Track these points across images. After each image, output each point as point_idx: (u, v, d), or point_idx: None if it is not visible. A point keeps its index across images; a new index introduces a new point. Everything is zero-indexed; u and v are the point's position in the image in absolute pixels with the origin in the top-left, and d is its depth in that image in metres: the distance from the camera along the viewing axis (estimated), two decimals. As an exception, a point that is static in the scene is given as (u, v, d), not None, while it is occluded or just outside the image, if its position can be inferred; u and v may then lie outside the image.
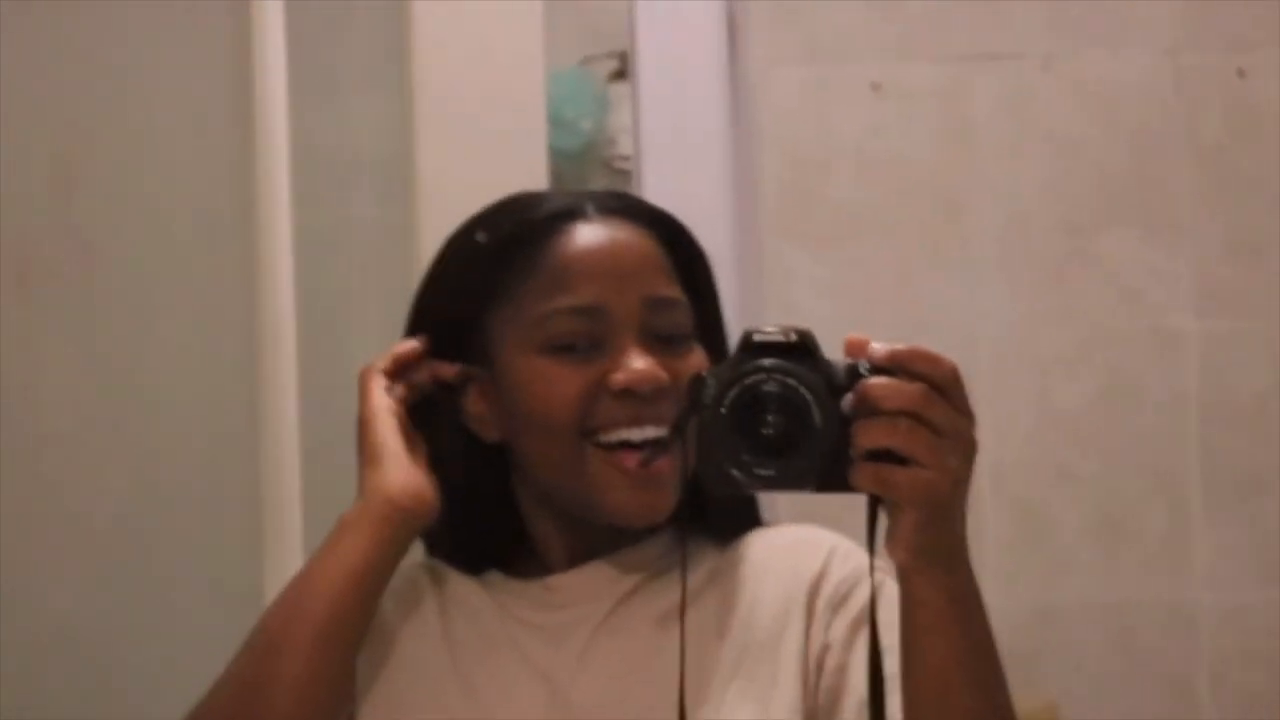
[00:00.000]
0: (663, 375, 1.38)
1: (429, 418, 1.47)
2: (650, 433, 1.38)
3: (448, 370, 1.44)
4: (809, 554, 1.42)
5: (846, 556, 1.41)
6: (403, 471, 1.41)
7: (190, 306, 2.10)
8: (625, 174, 2.51)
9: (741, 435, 1.20)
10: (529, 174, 2.03)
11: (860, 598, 1.37)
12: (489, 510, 1.47)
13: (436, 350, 1.46)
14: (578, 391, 1.39)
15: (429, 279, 1.49)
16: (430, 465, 1.46)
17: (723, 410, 1.20)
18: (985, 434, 2.56)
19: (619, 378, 1.38)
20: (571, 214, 1.43)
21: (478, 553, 1.48)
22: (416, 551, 1.49)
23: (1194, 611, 2.54)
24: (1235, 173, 2.55)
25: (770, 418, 1.19)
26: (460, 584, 1.47)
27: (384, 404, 1.43)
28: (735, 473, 1.20)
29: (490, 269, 1.42)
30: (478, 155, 2.03)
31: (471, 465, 1.46)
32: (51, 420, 2.07)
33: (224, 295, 2.07)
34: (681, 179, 2.47)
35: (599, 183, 2.53)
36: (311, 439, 2.04)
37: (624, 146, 2.50)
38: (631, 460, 1.38)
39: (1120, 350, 2.55)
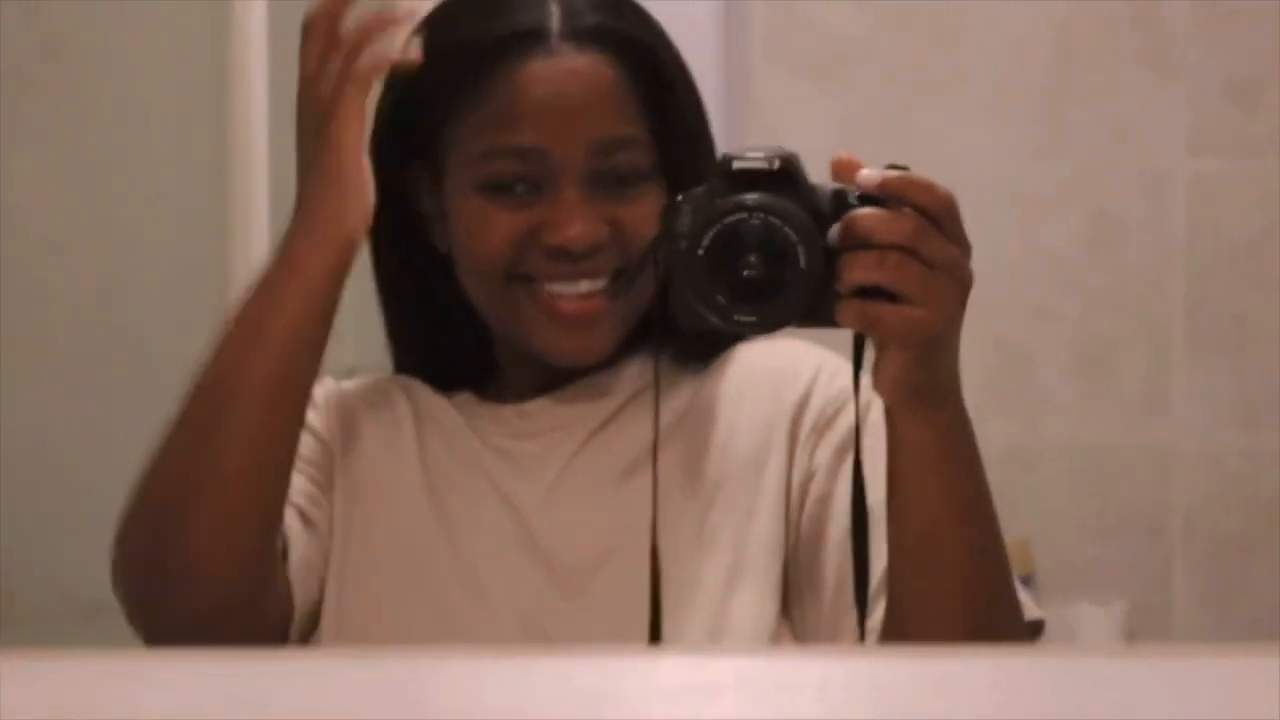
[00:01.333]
0: (600, 233, 1.32)
1: (384, 216, 1.36)
2: (584, 287, 1.33)
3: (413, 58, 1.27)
4: (791, 374, 1.38)
5: (833, 376, 1.36)
6: (361, 202, 1.26)
7: (161, 112, 2.06)
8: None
9: (720, 277, 1.13)
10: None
11: (846, 422, 1.32)
12: (453, 325, 1.42)
13: (396, 139, 1.38)
14: (507, 238, 1.33)
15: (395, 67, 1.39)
16: (388, 270, 1.42)
17: (700, 251, 1.13)
18: (968, 270, 2.55)
19: (553, 238, 1.32)
20: (531, 38, 1.34)
21: (447, 370, 1.44)
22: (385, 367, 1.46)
23: (1170, 455, 2.53)
24: (1234, 10, 2.50)
25: (752, 258, 1.13)
26: (432, 401, 1.42)
27: (359, 117, 1.26)
28: (713, 317, 1.14)
29: (442, 80, 1.35)
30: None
31: (426, 273, 1.41)
32: (22, 228, 2.05)
33: (195, 103, 2.03)
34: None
35: None
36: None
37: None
38: (563, 306, 1.33)
39: (1108, 188, 2.52)
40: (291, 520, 1.34)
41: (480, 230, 1.34)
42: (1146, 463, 2.53)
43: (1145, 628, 2.52)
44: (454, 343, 1.43)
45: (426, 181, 1.39)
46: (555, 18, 1.35)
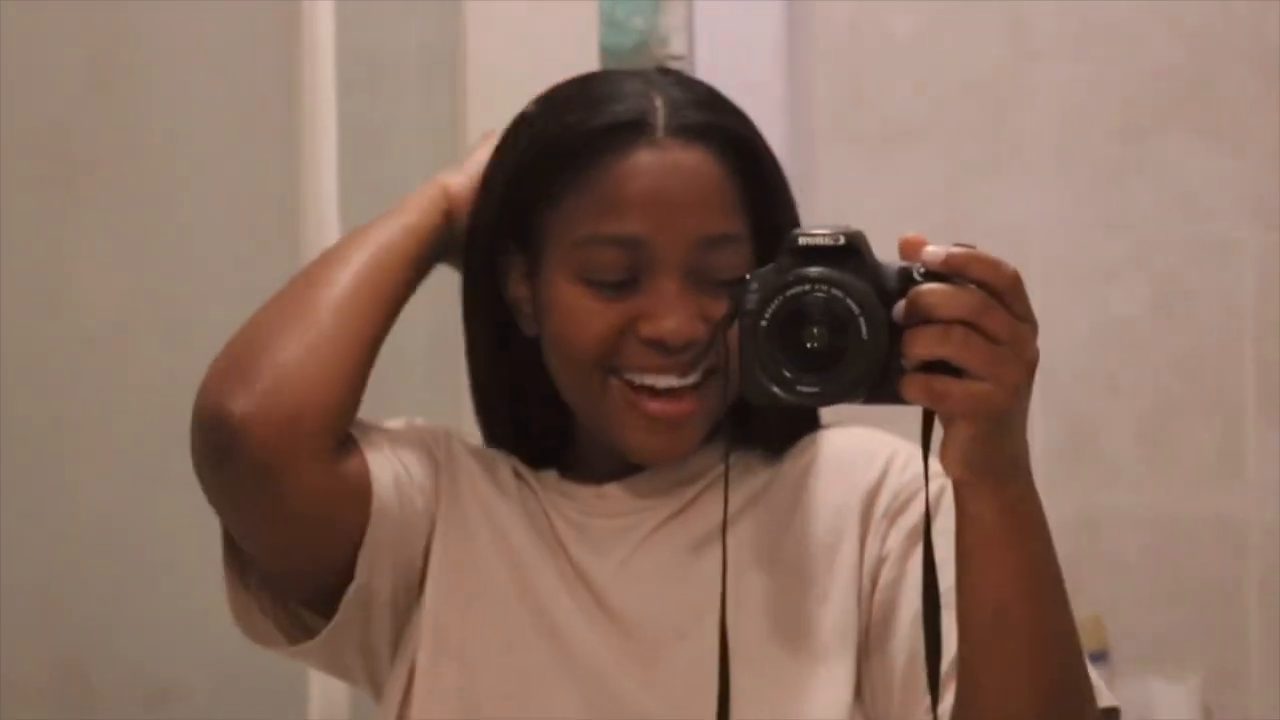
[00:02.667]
0: (697, 328, 1.34)
1: (477, 299, 1.46)
2: (674, 382, 1.35)
3: None
4: (866, 461, 1.39)
5: (906, 464, 1.38)
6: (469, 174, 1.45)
7: (234, 204, 2.08)
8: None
9: (783, 348, 1.14)
10: (580, 70, 2.00)
11: (919, 508, 1.33)
12: (537, 407, 1.45)
13: (496, 224, 1.43)
14: (605, 330, 1.35)
15: (500, 148, 1.46)
16: (479, 352, 1.46)
17: (764, 322, 1.15)
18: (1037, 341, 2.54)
19: (650, 330, 1.34)
20: (637, 129, 1.36)
21: (533, 448, 1.46)
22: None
23: (1244, 524, 2.51)
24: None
25: (815, 330, 1.14)
26: (527, 475, 1.45)
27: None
28: (776, 389, 1.15)
29: (544, 167, 1.38)
30: (528, 51, 1.99)
31: (515, 357, 1.44)
32: (94, 318, 2.06)
33: (268, 193, 2.05)
34: (734, 79, 2.44)
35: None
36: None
37: (676, 46, 2.46)
38: (653, 404, 1.35)
39: (1175, 259, 2.51)
40: (389, 455, 1.40)
41: (576, 318, 1.36)
42: (1219, 533, 2.51)
43: (1222, 701, 2.49)
44: (538, 424, 1.46)
45: (520, 267, 1.41)
46: (661, 112, 1.37)
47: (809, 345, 1.14)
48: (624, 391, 1.36)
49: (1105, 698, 1.27)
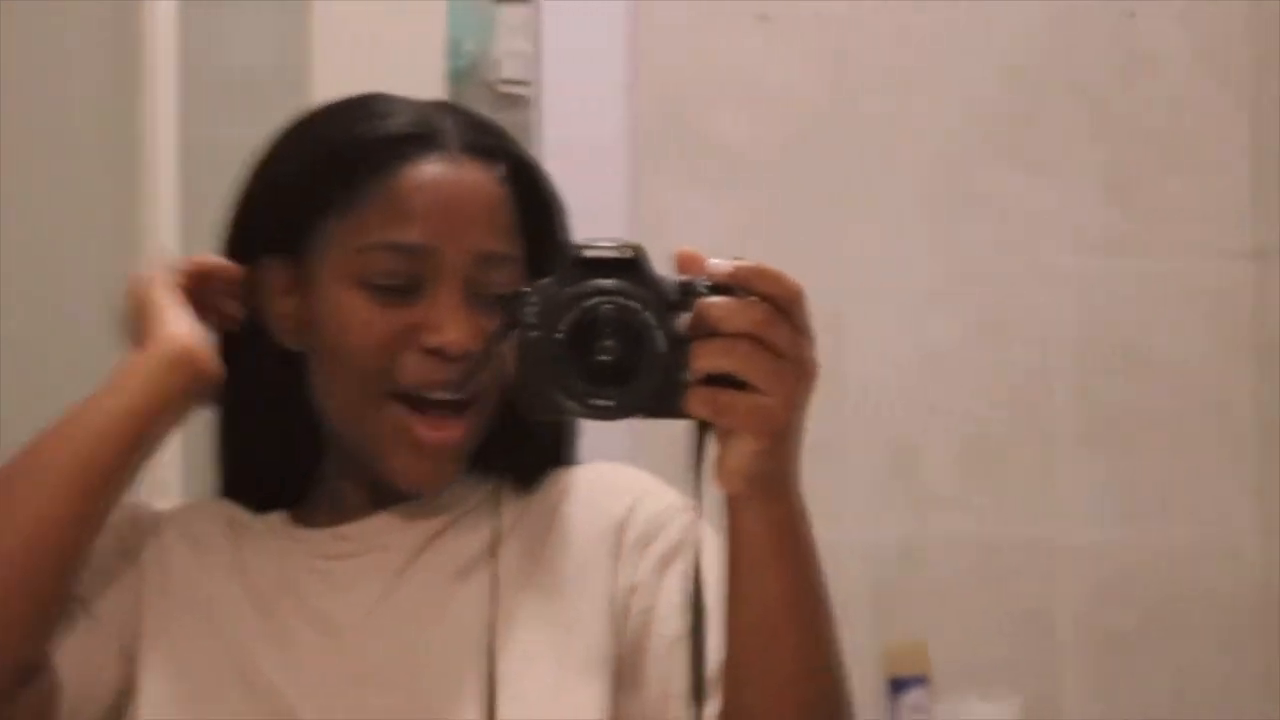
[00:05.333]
0: (474, 343, 1.33)
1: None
2: (448, 396, 1.33)
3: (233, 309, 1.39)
4: (617, 494, 1.39)
5: (656, 497, 1.38)
6: (189, 324, 1.34)
7: (72, 226, 2.04)
8: (510, 98, 2.47)
9: (575, 361, 1.12)
10: (426, 92, 1.98)
11: (669, 537, 1.35)
12: (284, 432, 1.41)
13: (260, 238, 1.39)
14: (384, 336, 1.33)
15: (264, 160, 1.41)
16: (231, 370, 1.39)
17: (558, 335, 1.12)
18: (852, 368, 2.59)
19: (432, 339, 1.33)
20: (425, 142, 1.36)
21: (263, 491, 1.43)
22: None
23: (1058, 547, 2.55)
24: (1117, 113, 2.55)
25: (608, 343, 1.12)
26: (247, 527, 1.42)
27: (165, 280, 1.36)
28: (569, 402, 1.13)
29: (328, 175, 1.35)
30: (375, 71, 1.98)
31: (269, 374, 1.40)
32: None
33: (106, 215, 2.01)
34: (581, 110, 2.44)
35: (482, 106, 2.49)
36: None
37: (509, 70, 2.46)
38: (423, 430, 1.33)
39: (996, 287, 2.55)
40: (78, 615, 1.33)
41: (356, 325, 1.34)
42: (1035, 558, 2.55)
43: (1038, 722, 2.53)
44: (275, 457, 1.42)
45: (283, 279, 1.38)
46: (450, 129, 1.37)
47: (601, 358, 1.12)
48: (398, 414, 1.34)
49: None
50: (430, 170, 1.35)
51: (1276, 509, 2.48)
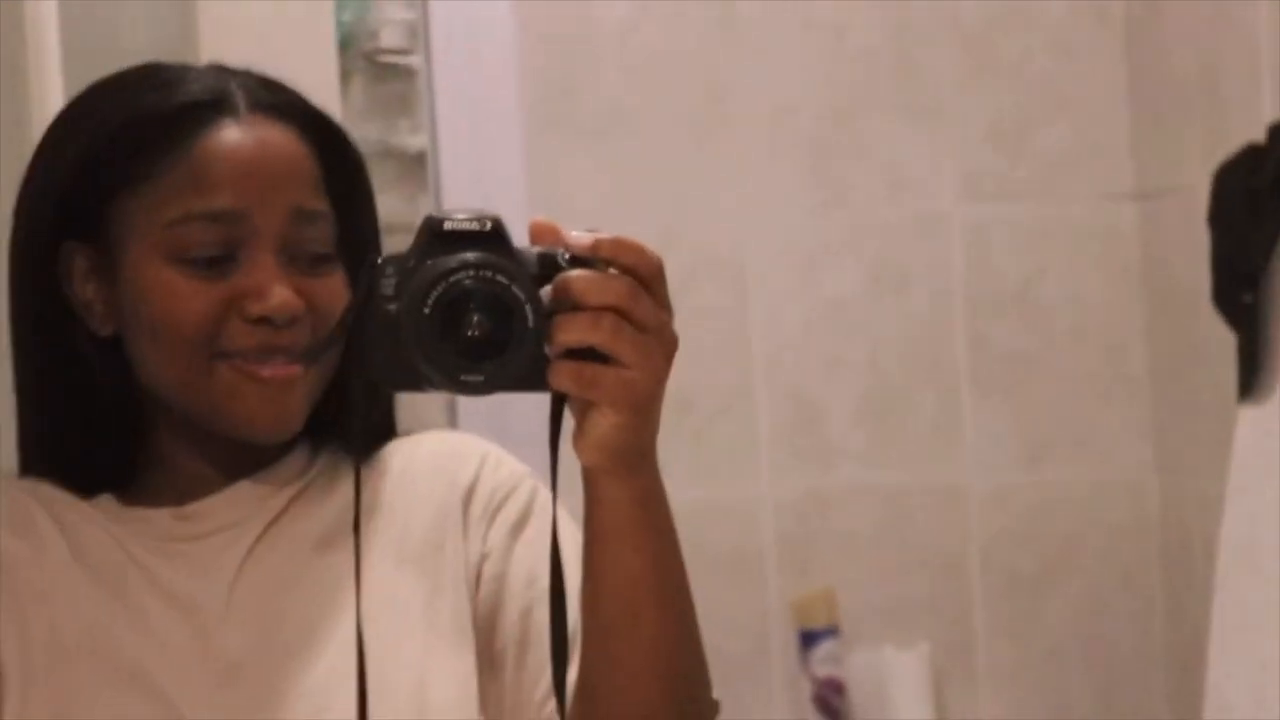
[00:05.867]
0: (299, 304, 1.30)
1: (29, 304, 1.35)
2: (279, 364, 1.30)
3: None
4: (459, 463, 1.38)
5: (499, 464, 1.38)
6: None
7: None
8: (390, 67, 2.45)
9: (445, 337, 1.10)
10: (318, 71, 1.96)
11: (516, 503, 1.35)
12: (101, 419, 1.35)
13: (53, 225, 1.33)
14: (206, 309, 1.29)
15: (50, 142, 1.36)
16: (32, 362, 1.36)
17: (426, 310, 1.10)
18: (754, 322, 2.60)
19: (255, 308, 1.29)
20: (218, 106, 1.31)
21: (88, 472, 1.36)
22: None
23: (962, 492, 2.57)
24: (997, 57, 2.56)
25: (476, 318, 1.10)
26: (75, 510, 1.35)
27: None
28: (438, 376, 1.11)
29: (120, 150, 1.31)
30: (263, 55, 1.96)
31: (79, 362, 1.34)
32: None
33: None
34: (470, 77, 2.43)
35: (360, 76, 2.47)
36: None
37: (387, 39, 2.44)
38: (263, 368, 1.30)
39: (887, 237, 2.57)
40: None
41: (175, 302, 1.29)
42: (940, 503, 2.57)
43: (950, 667, 2.55)
44: (100, 440, 1.36)
45: (85, 264, 1.34)
46: (238, 91, 1.33)
47: (470, 333, 1.11)
48: (231, 369, 1.30)
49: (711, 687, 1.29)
50: (228, 135, 1.31)
51: (1173, 445, 2.52)
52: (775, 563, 2.53)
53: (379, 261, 1.14)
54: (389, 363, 1.13)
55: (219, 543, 1.34)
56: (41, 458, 1.38)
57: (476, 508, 1.35)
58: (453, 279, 1.11)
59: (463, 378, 1.11)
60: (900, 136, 2.56)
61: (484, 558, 1.34)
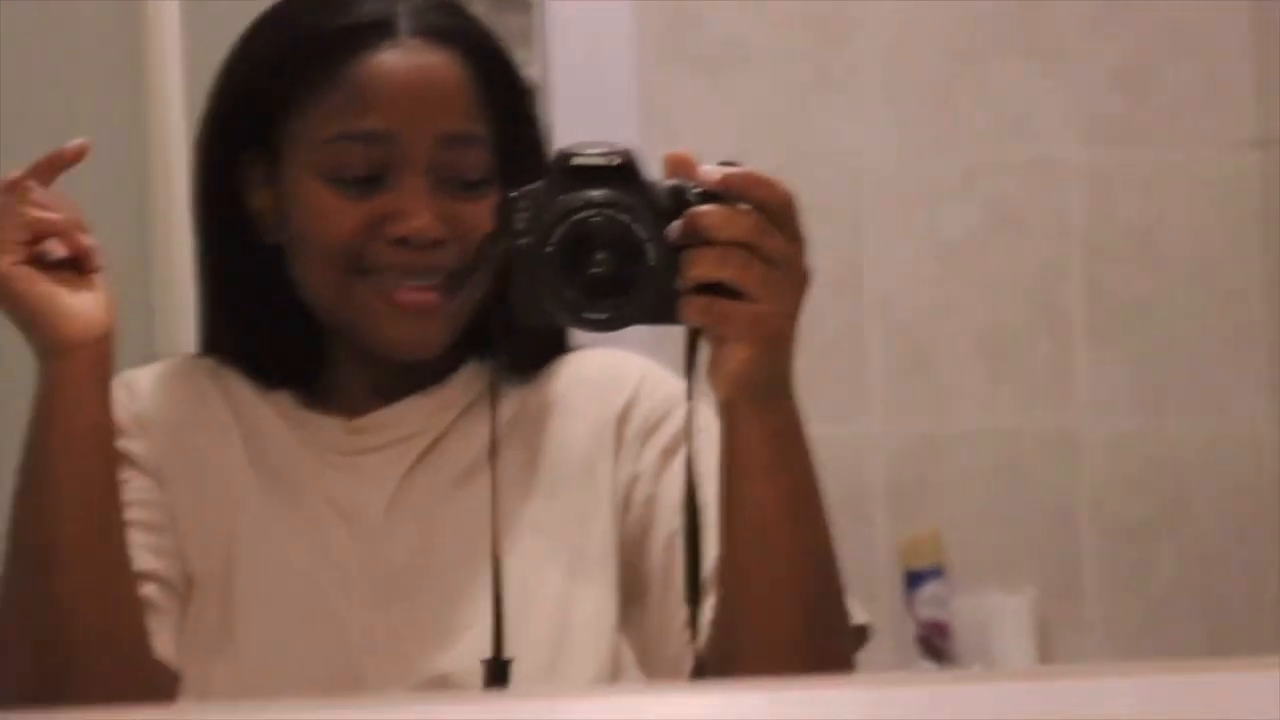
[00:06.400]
0: (442, 227, 1.32)
1: (212, 209, 1.41)
2: (422, 282, 1.33)
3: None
4: (618, 383, 1.39)
5: (657, 384, 1.38)
6: (58, 312, 1.23)
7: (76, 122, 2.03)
8: (508, -1, 2.45)
9: (569, 274, 1.13)
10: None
11: (671, 427, 1.35)
12: (280, 322, 1.40)
13: (232, 130, 1.39)
14: (352, 227, 1.33)
15: (235, 54, 1.41)
16: (215, 264, 1.41)
17: (549, 248, 1.13)
18: (869, 264, 2.59)
19: (397, 229, 1.32)
20: (381, 30, 1.35)
21: (271, 365, 1.40)
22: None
23: (1075, 439, 2.55)
24: (1123, 1, 2.53)
25: (600, 255, 1.12)
26: (251, 399, 1.40)
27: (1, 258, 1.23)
28: (562, 314, 1.14)
29: (288, 68, 1.35)
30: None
31: (256, 266, 1.39)
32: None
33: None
34: (585, 5, 2.43)
35: (481, 5, 2.47)
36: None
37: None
38: (402, 293, 1.33)
39: (1006, 180, 2.54)
40: (151, 594, 1.31)
41: (323, 217, 1.34)
42: (1052, 449, 2.55)
43: (1056, 614, 2.54)
44: (280, 340, 1.41)
45: (259, 173, 1.38)
46: (404, 14, 1.36)
47: (594, 271, 1.13)
48: (372, 287, 1.33)
49: (858, 615, 1.29)
50: (386, 57, 1.34)
51: (1292, 395, 2.49)
52: (883, 503, 2.52)
53: (513, 196, 1.15)
54: (521, 297, 1.15)
55: (385, 458, 1.37)
56: (227, 343, 1.42)
57: (631, 429, 1.37)
58: (575, 218, 1.13)
59: (586, 314, 1.14)
60: (1022, 78, 2.53)
61: (635, 480, 1.35)
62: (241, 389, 1.40)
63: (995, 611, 2.50)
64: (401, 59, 1.34)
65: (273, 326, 1.40)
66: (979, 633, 2.50)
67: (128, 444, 1.35)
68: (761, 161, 1.17)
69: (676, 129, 2.48)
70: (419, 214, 1.32)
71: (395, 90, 1.33)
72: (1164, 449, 2.54)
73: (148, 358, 1.46)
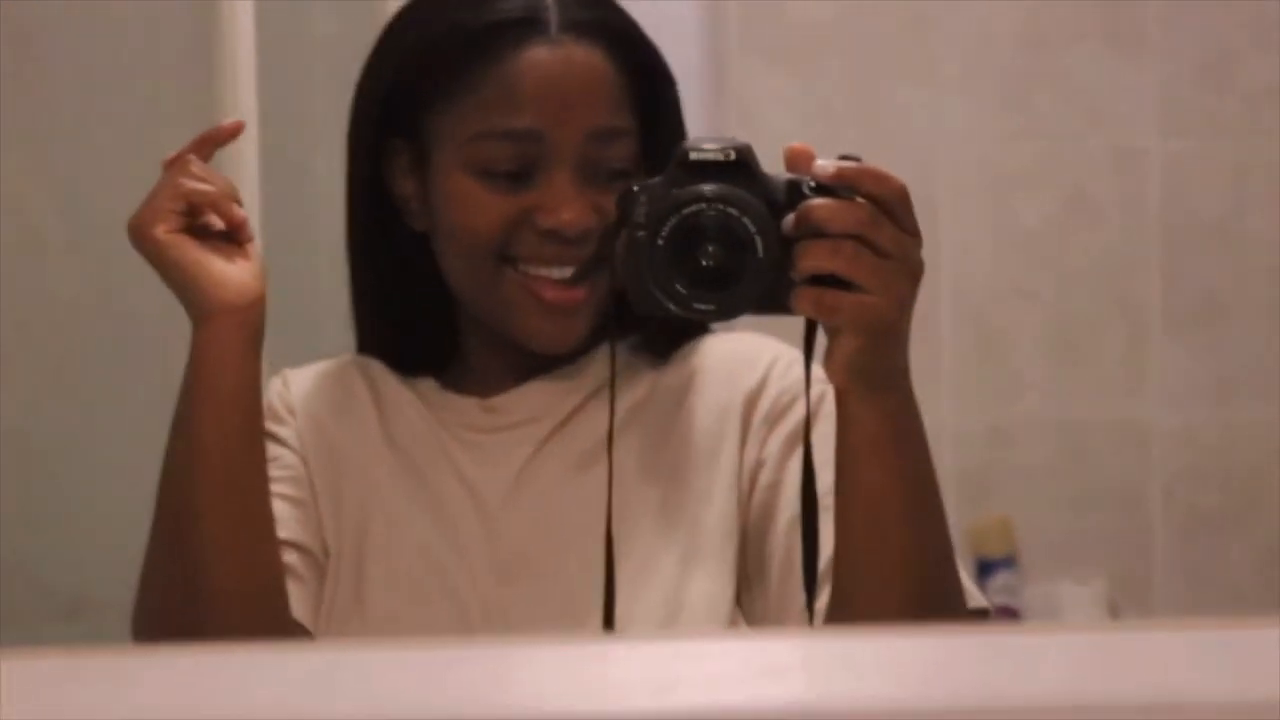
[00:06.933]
0: (591, 219, 1.34)
1: (360, 194, 1.43)
2: (569, 273, 1.35)
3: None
4: (748, 365, 1.40)
5: (787, 369, 1.39)
6: (211, 278, 1.27)
7: (147, 123, 2.06)
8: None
9: (680, 266, 1.15)
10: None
11: (798, 413, 1.35)
12: (422, 306, 1.43)
13: (379, 119, 1.40)
14: (501, 220, 1.35)
15: (381, 44, 1.42)
16: (361, 248, 1.43)
17: (660, 240, 1.15)
18: (944, 251, 2.58)
19: (547, 221, 1.34)
20: (530, 26, 1.36)
21: (411, 353, 1.45)
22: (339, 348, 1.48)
23: (1147, 430, 2.55)
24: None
25: (710, 248, 1.15)
26: (394, 387, 1.44)
27: (158, 226, 1.26)
28: (672, 305, 1.16)
29: (435, 62, 1.37)
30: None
31: (400, 252, 1.42)
32: (9, 229, 2.04)
33: (183, 115, 2.03)
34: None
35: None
36: (273, 261, 2.02)
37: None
38: (547, 289, 1.35)
39: (1083, 168, 2.54)
40: (292, 562, 1.35)
41: (472, 211, 1.35)
42: (1124, 439, 2.55)
43: (1127, 602, 2.54)
44: (421, 325, 1.44)
45: (406, 161, 1.40)
46: (553, 8, 1.37)
47: (705, 263, 1.15)
48: (519, 280, 1.36)
49: (976, 599, 1.30)
50: (535, 54, 1.35)
51: (1367, 389, 2.47)
52: (954, 490, 2.52)
53: (634, 189, 1.17)
54: (635, 287, 1.17)
55: (514, 438, 1.39)
56: (371, 336, 1.46)
57: (759, 413, 1.37)
58: (686, 211, 1.15)
59: (696, 305, 1.15)
60: (1100, 67, 2.52)
61: (760, 465, 1.36)
62: (387, 379, 1.44)
63: (1066, 600, 2.51)
64: (550, 55, 1.35)
65: (415, 312, 1.44)
66: (1050, 621, 2.50)
67: (278, 428, 1.40)
68: (841, 147, 1.18)
69: (755, 118, 2.49)
70: (569, 207, 1.34)
71: (545, 88, 1.35)
72: (1236, 439, 2.53)
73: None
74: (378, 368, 1.45)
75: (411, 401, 1.43)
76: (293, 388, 1.44)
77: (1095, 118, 2.53)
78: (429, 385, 1.44)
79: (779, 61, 2.52)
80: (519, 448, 1.39)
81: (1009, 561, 2.51)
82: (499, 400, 1.42)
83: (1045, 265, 2.54)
